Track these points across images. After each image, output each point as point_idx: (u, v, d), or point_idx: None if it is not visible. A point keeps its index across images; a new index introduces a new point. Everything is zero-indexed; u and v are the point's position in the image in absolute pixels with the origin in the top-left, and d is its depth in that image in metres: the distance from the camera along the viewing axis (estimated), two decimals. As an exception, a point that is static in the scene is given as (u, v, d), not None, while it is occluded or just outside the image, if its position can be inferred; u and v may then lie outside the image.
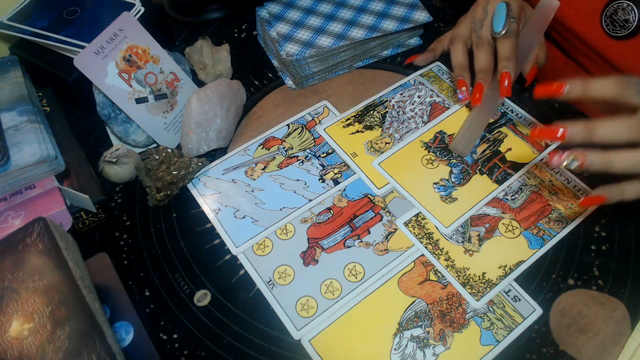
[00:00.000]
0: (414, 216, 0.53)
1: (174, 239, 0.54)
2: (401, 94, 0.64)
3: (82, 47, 0.56)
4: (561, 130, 0.38)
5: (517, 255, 0.50)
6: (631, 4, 0.53)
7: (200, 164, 0.56)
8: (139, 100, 0.57)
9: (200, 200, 0.56)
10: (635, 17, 0.53)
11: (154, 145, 0.60)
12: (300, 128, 0.62)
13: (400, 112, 0.62)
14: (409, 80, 0.65)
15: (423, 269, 0.50)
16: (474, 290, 0.48)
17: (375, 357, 0.45)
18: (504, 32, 0.54)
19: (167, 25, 0.71)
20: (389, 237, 0.52)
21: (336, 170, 0.57)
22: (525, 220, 0.52)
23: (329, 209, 0.55)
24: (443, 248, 0.51)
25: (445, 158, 0.58)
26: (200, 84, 0.64)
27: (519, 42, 0.55)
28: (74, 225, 0.51)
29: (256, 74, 0.68)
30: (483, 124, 0.58)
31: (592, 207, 0.44)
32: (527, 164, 0.56)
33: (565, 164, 0.39)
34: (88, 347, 0.36)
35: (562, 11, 0.57)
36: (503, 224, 0.52)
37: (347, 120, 0.62)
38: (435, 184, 0.56)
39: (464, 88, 0.58)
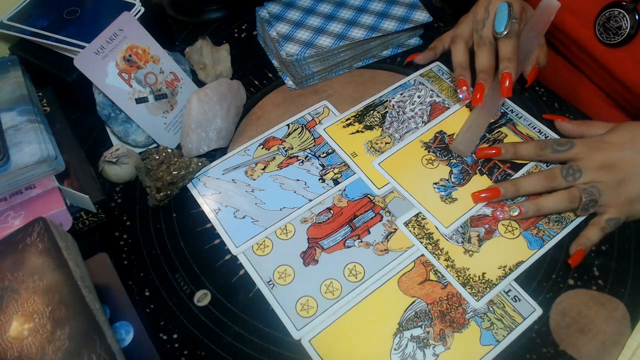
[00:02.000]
0: (414, 216, 0.53)
1: (174, 239, 0.54)
2: (401, 94, 0.64)
3: (82, 47, 0.56)
4: (498, 190, 0.51)
5: (517, 256, 0.50)
6: (622, 12, 0.53)
7: (200, 164, 0.56)
8: (139, 100, 0.57)
9: (200, 200, 0.56)
10: (627, 24, 0.53)
11: (154, 145, 0.60)
12: (300, 128, 0.62)
13: (400, 112, 0.62)
14: (409, 80, 0.65)
15: (423, 269, 0.50)
16: (474, 291, 0.48)
17: (375, 357, 0.45)
18: (505, 32, 0.54)
19: (167, 25, 0.71)
20: (389, 237, 0.52)
21: (336, 170, 0.58)
22: (524, 221, 0.52)
23: (329, 209, 0.55)
24: (443, 248, 0.51)
25: (445, 158, 0.58)
26: (200, 84, 0.64)
27: (520, 42, 0.55)
28: (74, 225, 0.51)
29: (256, 74, 0.68)
30: (484, 124, 0.58)
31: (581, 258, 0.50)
32: (527, 164, 0.56)
33: (508, 214, 0.51)
34: (88, 347, 0.36)
35: (561, 17, 0.57)
36: (503, 224, 0.52)
37: (347, 120, 0.62)
38: (435, 184, 0.56)
39: (464, 88, 0.58)
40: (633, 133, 0.49)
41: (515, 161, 0.57)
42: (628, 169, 0.48)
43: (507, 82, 0.54)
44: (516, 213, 0.50)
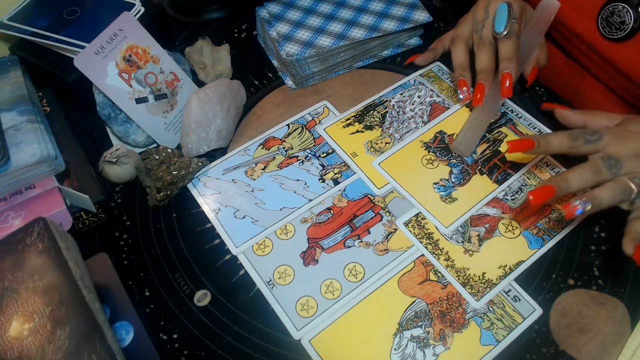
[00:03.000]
0: (414, 216, 0.53)
1: (174, 239, 0.54)
2: (401, 94, 0.64)
3: (82, 47, 0.56)
4: (553, 188, 0.45)
5: (517, 255, 0.50)
6: (626, 6, 0.53)
7: (200, 164, 0.56)
8: (139, 100, 0.57)
9: (200, 200, 0.56)
10: (630, 19, 0.53)
11: (154, 145, 0.60)
12: (300, 128, 0.62)
13: (400, 112, 0.62)
14: (409, 80, 0.65)
15: (423, 269, 0.50)
16: (474, 290, 0.48)
17: (375, 357, 0.45)
18: (505, 32, 0.54)
19: (167, 25, 0.71)
20: (389, 237, 0.52)
21: (336, 170, 0.58)
22: (525, 220, 0.52)
23: (329, 209, 0.55)
24: (443, 248, 0.51)
25: (445, 158, 0.58)
26: (200, 84, 0.64)
27: (520, 42, 0.55)
28: (74, 225, 0.51)
29: (256, 74, 0.68)
30: (484, 124, 0.58)
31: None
32: (527, 164, 0.56)
33: (583, 208, 0.45)
34: (88, 347, 0.36)
35: (563, 11, 0.57)
36: (503, 224, 0.52)
37: (347, 120, 0.62)
38: (435, 184, 0.56)
39: (465, 88, 0.58)
40: None
41: (516, 162, 0.57)
42: None
43: (508, 82, 0.54)
44: (589, 207, 0.45)
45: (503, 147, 0.58)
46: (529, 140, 0.47)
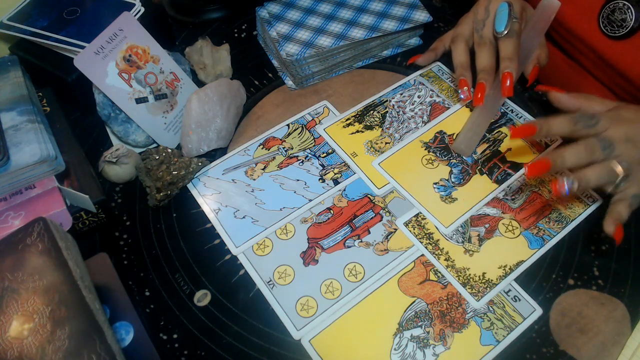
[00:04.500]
0: (414, 216, 0.53)
1: (174, 239, 0.54)
2: (401, 94, 0.64)
3: (82, 47, 0.56)
4: (549, 161, 0.47)
5: (517, 255, 0.50)
6: (627, 4, 0.53)
7: (200, 164, 0.56)
8: (139, 100, 0.57)
9: (200, 200, 0.56)
10: (632, 16, 0.53)
11: (154, 145, 0.60)
12: (300, 128, 0.62)
13: (400, 112, 0.62)
14: (409, 80, 0.65)
15: (423, 269, 0.50)
16: (474, 290, 0.48)
17: (375, 357, 0.45)
18: (506, 32, 0.54)
19: (167, 25, 0.71)
20: (389, 237, 0.52)
21: (336, 170, 0.58)
22: (525, 220, 0.52)
23: (329, 209, 0.55)
24: (443, 248, 0.51)
25: (445, 158, 0.58)
26: (200, 84, 0.64)
27: (520, 42, 0.55)
28: (74, 225, 0.51)
29: (256, 74, 0.68)
30: (485, 124, 0.58)
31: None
32: (527, 163, 0.56)
33: (569, 187, 0.46)
34: (88, 347, 0.36)
35: (562, 10, 0.57)
36: (503, 224, 0.52)
37: (347, 120, 0.62)
38: (435, 184, 0.56)
39: (465, 88, 0.58)
40: None
41: (516, 162, 0.57)
42: None
43: (508, 82, 0.54)
44: (576, 185, 0.46)
45: (503, 147, 0.58)
46: (530, 125, 0.48)
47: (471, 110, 0.60)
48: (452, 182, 0.56)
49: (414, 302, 0.48)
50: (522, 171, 0.56)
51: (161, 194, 0.54)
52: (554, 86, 0.54)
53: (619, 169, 0.46)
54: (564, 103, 0.54)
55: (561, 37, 0.63)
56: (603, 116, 0.48)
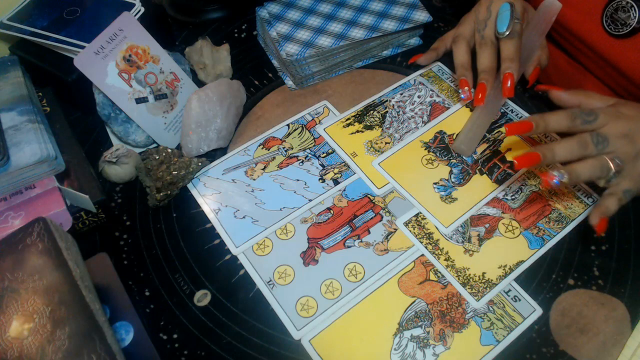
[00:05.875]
0: (414, 216, 0.53)
1: (174, 239, 0.54)
2: (401, 94, 0.64)
3: (82, 47, 0.56)
4: (538, 155, 0.46)
5: (517, 255, 0.50)
6: (631, 2, 0.53)
7: (200, 164, 0.56)
8: (139, 100, 0.57)
9: (200, 200, 0.56)
10: (635, 15, 0.53)
11: (154, 145, 0.60)
12: (300, 128, 0.62)
13: (400, 112, 0.62)
14: (409, 80, 0.65)
15: (423, 269, 0.50)
16: (474, 290, 0.48)
17: (375, 357, 0.45)
18: (508, 32, 0.54)
19: (167, 25, 0.71)
20: (389, 237, 0.52)
21: (336, 170, 0.58)
22: (525, 220, 0.52)
23: (329, 209, 0.55)
24: (443, 248, 0.51)
25: (445, 158, 0.58)
26: (200, 84, 0.64)
27: (521, 43, 0.55)
28: (74, 225, 0.51)
29: (256, 74, 0.68)
30: (485, 124, 0.58)
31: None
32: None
33: (559, 180, 0.46)
34: (88, 347, 0.36)
35: (563, 11, 0.57)
36: (503, 224, 0.52)
37: (347, 120, 0.62)
38: (435, 184, 0.56)
39: (466, 88, 0.58)
40: None
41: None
42: None
43: (509, 83, 0.54)
44: (566, 178, 0.46)
45: (503, 147, 0.58)
46: (527, 122, 0.48)
47: (471, 111, 0.60)
48: (452, 182, 0.56)
49: (414, 302, 0.48)
50: (522, 171, 0.56)
51: (161, 194, 0.54)
52: (555, 86, 0.55)
53: (611, 164, 0.46)
54: (565, 101, 0.54)
55: (562, 37, 0.63)
56: (602, 112, 0.48)
